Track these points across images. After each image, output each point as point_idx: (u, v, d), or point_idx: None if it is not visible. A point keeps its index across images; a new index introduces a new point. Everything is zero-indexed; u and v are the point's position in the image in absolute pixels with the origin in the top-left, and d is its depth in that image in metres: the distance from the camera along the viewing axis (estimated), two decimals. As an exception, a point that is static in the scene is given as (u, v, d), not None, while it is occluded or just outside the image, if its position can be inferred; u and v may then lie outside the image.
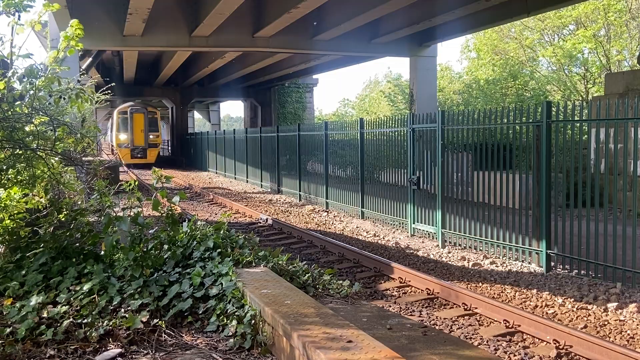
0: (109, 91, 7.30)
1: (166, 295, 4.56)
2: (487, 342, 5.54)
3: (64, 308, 4.22)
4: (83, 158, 6.33)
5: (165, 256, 5.14)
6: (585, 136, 11.90)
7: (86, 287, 4.47)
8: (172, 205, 5.42)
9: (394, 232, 11.47)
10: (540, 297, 7.00)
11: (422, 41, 20.36)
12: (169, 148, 46.65)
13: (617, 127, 7.39)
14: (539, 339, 5.58)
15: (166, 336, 4.11)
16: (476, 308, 6.43)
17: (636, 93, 12.15)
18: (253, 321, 4.05)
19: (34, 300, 4.24)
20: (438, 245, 10.05)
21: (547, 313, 6.47)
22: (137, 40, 18.39)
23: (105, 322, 4.07)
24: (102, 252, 5.14)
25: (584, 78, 27.62)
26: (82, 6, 16.13)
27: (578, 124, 8.13)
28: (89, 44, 17.24)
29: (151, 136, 35.76)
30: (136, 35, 18.09)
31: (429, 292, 7.12)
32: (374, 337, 3.32)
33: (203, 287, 4.62)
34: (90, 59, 21.70)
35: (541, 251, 8.13)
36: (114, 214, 5.05)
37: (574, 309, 6.53)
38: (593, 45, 25.59)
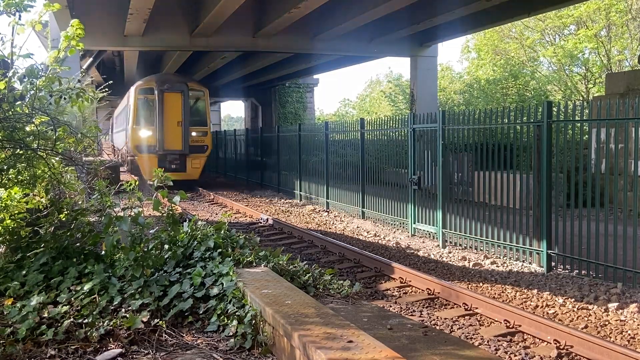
0: (108, 89, 7.29)
1: (167, 295, 4.55)
2: (488, 342, 5.53)
3: (65, 308, 4.22)
4: (84, 158, 6.33)
5: (165, 256, 5.14)
6: (586, 136, 11.89)
7: (87, 287, 4.47)
8: (172, 205, 5.42)
9: (394, 232, 11.47)
10: (541, 297, 7.00)
11: (422, 41, 20.33)
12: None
13: (618, 127, 7.38)
14: (540, 339, 5.58)
15: (167, 336, 4.11)
16: (477, 308, 6.43)
17: (637, 93, 12.14)
18: (254, 321, 4.05)
19: (35, 300, 4.24)
20: (439, 245, 10.05)
21: (547, 313, 6.47)
22: (137, 41, 18.38)
23: (106, 322, 4.07)
24: (103, 252, 5.14)
25: (584, 78, 27.59)
26: (82, 6, 16.10)
27: (579, 124, 8.14)
28: (90, 44, 17.21)
29: (194, 134, 20.34)
30: (137, 36, 18.08)
31: (429, 292, 7.12)
32: (375, 337, 3.32)
33: (204, 287, 4.62)
34: (91, 59, 21.68)
35: (542, 251, 8.12)
36: (115, 214, 5.04)
37: (575, 309, 6.53)
38: (594, 45, 25.56)
